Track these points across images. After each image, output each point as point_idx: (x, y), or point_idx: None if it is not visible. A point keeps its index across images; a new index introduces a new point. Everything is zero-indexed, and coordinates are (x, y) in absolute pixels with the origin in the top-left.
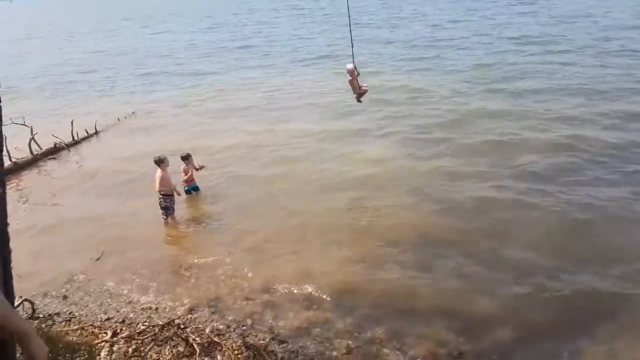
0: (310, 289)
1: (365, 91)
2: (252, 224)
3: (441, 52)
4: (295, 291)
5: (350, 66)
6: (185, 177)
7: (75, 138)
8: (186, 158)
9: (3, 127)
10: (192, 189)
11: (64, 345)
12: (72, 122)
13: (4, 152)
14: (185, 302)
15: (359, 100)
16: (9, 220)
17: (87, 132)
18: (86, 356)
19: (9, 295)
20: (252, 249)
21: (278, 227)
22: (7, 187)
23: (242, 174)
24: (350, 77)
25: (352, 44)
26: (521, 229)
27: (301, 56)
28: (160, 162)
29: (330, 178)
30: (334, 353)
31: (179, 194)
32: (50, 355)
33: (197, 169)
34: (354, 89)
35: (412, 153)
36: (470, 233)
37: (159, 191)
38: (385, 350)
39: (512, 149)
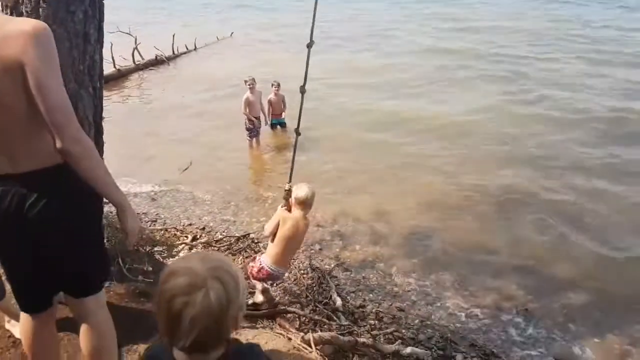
0: (380, 226)
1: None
2: (334, 159)
3: None
4: (365, 226)
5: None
6: (273, 109)
7: (175, 52)
8: (276, 86)
9: (111, 34)
10: (278, 123)
11: (147, 238)
12: (173, 36)
13: (109, 60)
14: (261, 219)
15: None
16: (108, 118)
17: (187, 48)
18: (165, 253)
19: None
20: (330, 181)
21: (359, 166)
22: (111, 93)
23: (335, 108)
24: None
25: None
26: (619, 193)
27: None
28: (250, 84)
29: (420, 123)
30: (395, 288)
31: (265, 123)
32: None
33: (284, 110)
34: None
35: (510, 104)
36: (560, 191)
37: (245, 113)
38: (447, 294)
39: None
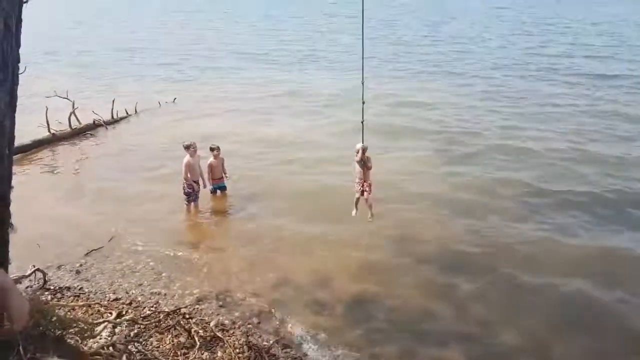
0: (322, 294)
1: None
2: (274, 223)
3: None
4: (307, 294)
5: (357, 146)
6: (213, 173)
7: (115, 117)
8: (216, 150)
9: (47, 98)
10: (218, 187)
11: (57, 320)
12: (113, 101)
13: (44, 124)
14: (195, 291)
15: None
16: (31, 183)
17: (127, 113)
18: (76, 335)
19: (4, 258)
20: (270, 247)
21: (299, 229)
22: (43, 156)
23: (273, 173)
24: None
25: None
26: (554, 256)
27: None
28: (188, 147)
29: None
30: None
31: (204, 186)
32: (40, 328)
33: (224, 173)
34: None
35: (446, 165)
36: (500, 256)
37: (185, 178)
38: None
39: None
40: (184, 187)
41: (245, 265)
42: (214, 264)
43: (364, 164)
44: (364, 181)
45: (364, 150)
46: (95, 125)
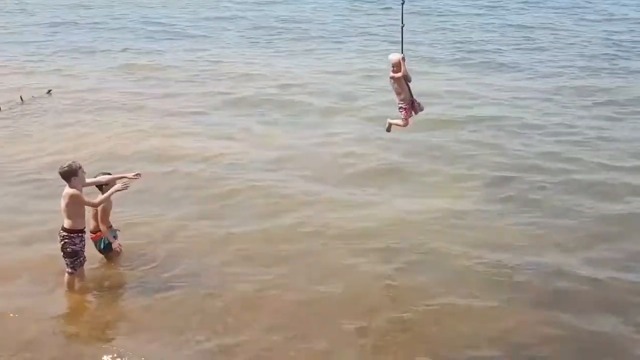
0: None
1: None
2: (226, 300)
3: None
4: None
5: (395, 57)
6: (97, 219)
7: None
8: (104, 181)
9: None
10: (103, 245)
11: None
12: None
13: None
14: None
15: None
16: None
17: None
18: None
19: None
20: (223, 348)
21: (276, 316)
22: None
23: (208, 207)
24: (396, 74)
25: (402, 19)
26: None
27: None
28: (70, 174)
29: (350, 238)
30: None
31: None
32: None
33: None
34: (401, 92)
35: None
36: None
37: (68, 228)
38: None
39: None
40: (63, 242)
41: None
42: None
43: (406, 78)
44: (411, 100)
45: (404, 59)
46: None
